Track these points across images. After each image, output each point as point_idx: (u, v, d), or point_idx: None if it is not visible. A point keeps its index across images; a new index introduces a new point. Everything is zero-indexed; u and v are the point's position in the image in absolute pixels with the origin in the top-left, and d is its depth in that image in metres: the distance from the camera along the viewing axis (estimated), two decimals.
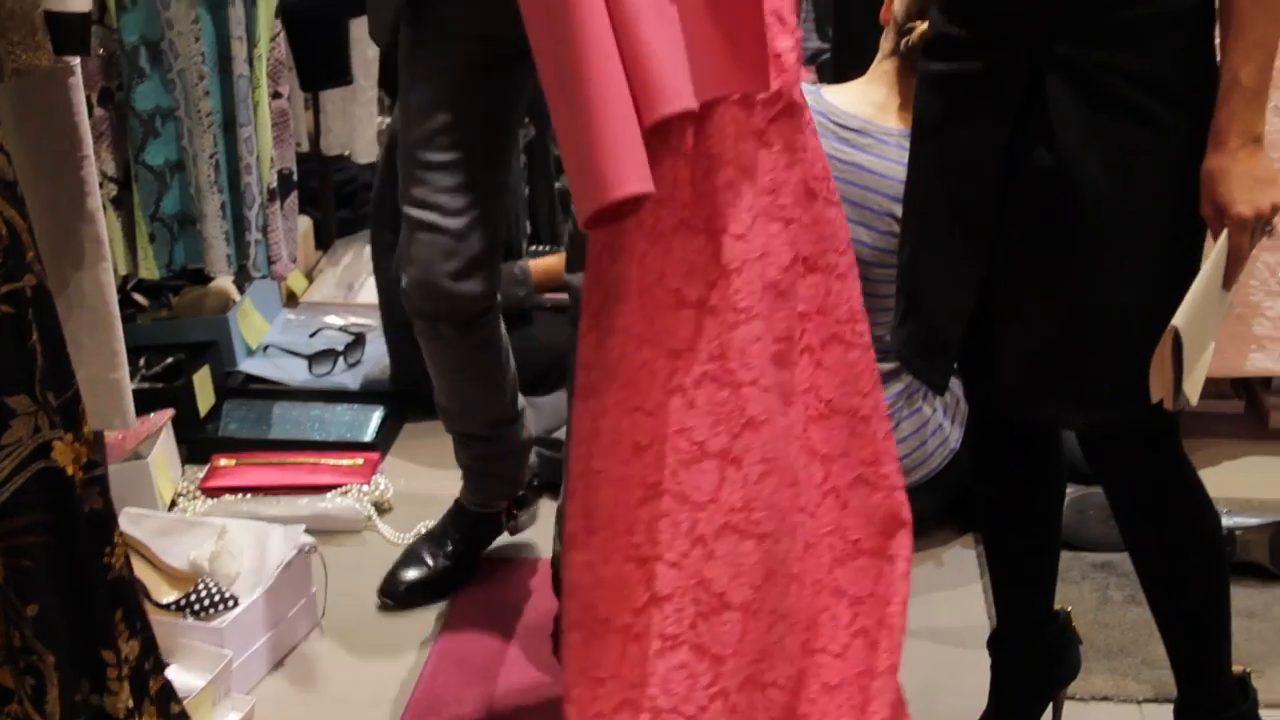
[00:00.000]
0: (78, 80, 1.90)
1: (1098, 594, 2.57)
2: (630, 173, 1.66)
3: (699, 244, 1.79)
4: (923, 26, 2.48)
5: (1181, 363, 1.74)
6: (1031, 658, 2.09)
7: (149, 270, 2.93)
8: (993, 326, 1.88)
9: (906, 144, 2.53)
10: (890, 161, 2.51)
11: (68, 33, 1.76)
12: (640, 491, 1.80)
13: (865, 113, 2.57)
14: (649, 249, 1.79)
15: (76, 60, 1.88)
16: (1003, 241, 1.84)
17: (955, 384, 2.73)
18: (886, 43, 2.61)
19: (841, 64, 3.40)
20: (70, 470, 1.70)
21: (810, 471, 1.92)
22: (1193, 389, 1.76)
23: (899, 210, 2.49)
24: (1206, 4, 1.76)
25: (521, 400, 2.61)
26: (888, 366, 2.57)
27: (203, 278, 3.36)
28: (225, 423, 3.19)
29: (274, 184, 2.95)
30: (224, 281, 3.49)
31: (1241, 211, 1.73)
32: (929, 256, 1.94)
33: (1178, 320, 1.73)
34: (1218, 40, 1.77)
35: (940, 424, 2.69)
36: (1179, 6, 1.75)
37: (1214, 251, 1.76)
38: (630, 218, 1.73)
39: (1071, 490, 2.52)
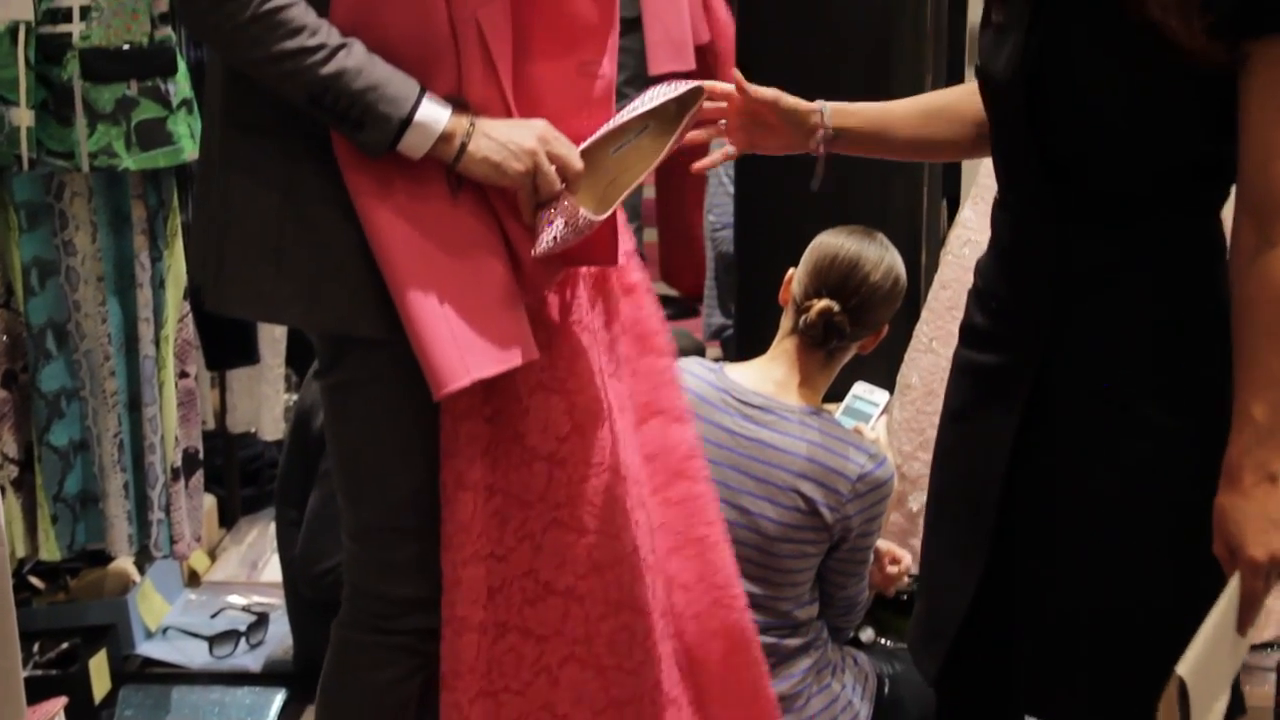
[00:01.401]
0: None
1: None
2: (451, 372, 1.88)
3: (554, 402, 2.02)
4: (821, 304, 2.55)
5: (1189, 715, 1.60)
6: None
7: (50, 551, 2.88)
8: (992, 622, 1.87)
9: (809, 420, 2.58)
10: (793, 438, 2.54)
11: None
12: (494, 631, 2.07)
13: (767, 390, 2.61)
14: (505, 407, 2.01)
15: None
16: (1006, 535, 1.84)
17: (865, 658, 2.73)
18: (786, 321, 2.67)
19: (744, 340, 3.48)
20: None
21: (673, 600, 2.22)
22: None
23: (803, 486, 2.52)
24: (1220, 314, 1.74)
25: None
26: (795, 642, 2.57)
27: (102, 558, 3.30)
28: (121, 710, 3.10)
29: (178, 463, 2.94)
30: (124, 562, 3.42)
31: (1255, 555, 1.66)
32: (938, 540, 1.97)
33: (1182, 668, 1.60)
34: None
35: (850, 701, 2.67)
36: (1188, 315, 1.77)
37: (1226, 593, 1.67)
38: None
39: None
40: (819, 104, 2.13)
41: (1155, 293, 1.78)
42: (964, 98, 2.07)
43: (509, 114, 1.93)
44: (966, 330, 1.95)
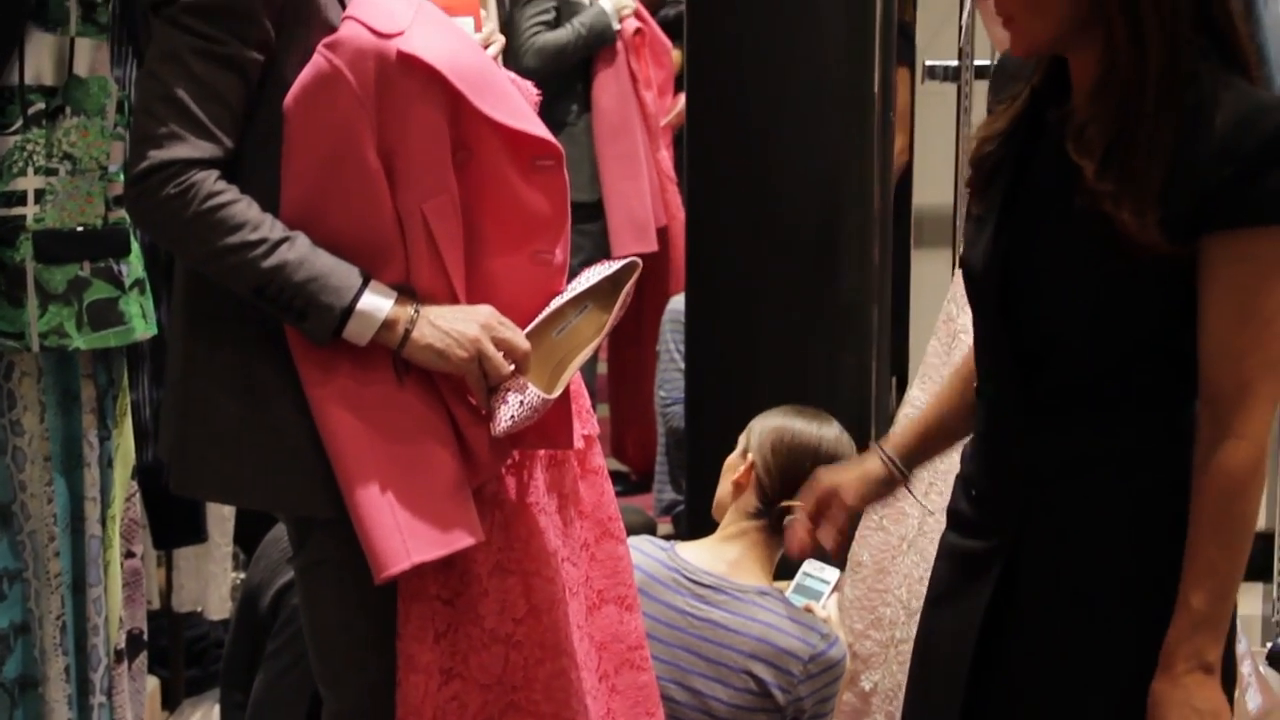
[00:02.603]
0: None
1: None
2: (392, 554, 1.91)
3: (512, 584, 2.04)
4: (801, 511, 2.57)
5: None
6: None
7: None
8: None
9: (760, 600, 2.57)
10: (744, 618, 2.54)
11: None
12: None
13: (719, 570, 2.61)
14: (465, 589, 2.02)
15: None
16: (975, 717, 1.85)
17: None
18: (746, 503, 2.68)
19: (695, 516, 3.48)
20: None
21: None
22: None
23: (755, 667, 2.51)
24: (1183, 511, 1.75)
25: None
26: None
27: None
28: None
29: (121, 645, 2.89)
30: None
31: None
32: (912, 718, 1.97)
33: None
34: None
35: None
36: (1152, 510, 1.78)
37: None
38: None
39: None
40: (876, 451, 2.12)
41: (1121, 487, 1.79)
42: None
43: (457, 302, 1.96)
44: (951, 515, 1.97)
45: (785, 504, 2.56)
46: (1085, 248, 1.75)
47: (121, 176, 2.68)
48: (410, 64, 1.89)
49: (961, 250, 1.94)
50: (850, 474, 2.11)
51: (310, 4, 1.94)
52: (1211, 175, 1.68)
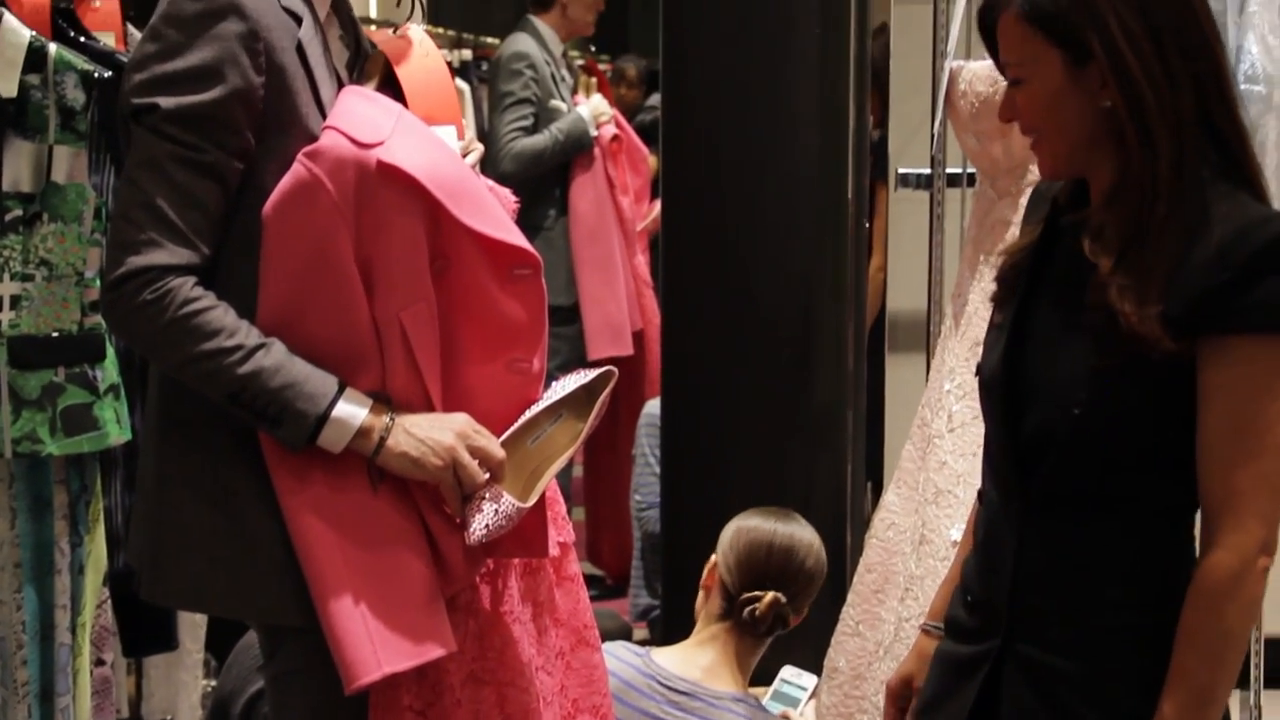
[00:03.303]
0: None
1: None
2: (363, 665, 1.89)
3: (486, 694, 2.02)
4: (770, 597, 2.56)
5: None
6: None
7: None
8: None
9: (736, 707, 2.55)
10: None
11: None
12: None
13: (694, 675, 2.60)
14: (438, 700, 2.00)
15: None
16: None
17: None
18: (713, 606, 2.67)
19: (672, 621, 3.46)
20: None
21: None
22: None
23: None
24: (1169, 625, 1.77)
25: None
26: None
27: None
28: None
29: None
30: None
31: None
32: None
33: None
34: None
35: None
36: (1138, 633, 1.79)
37: None
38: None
39: None
40: (925, 630, 2.10)
41: (1112, 597, 1.80)
42: None
43: (433, 409, 1.96)
44: (948, 623, 1.98)
45: (746, 596, 2.56)
46: (1087, 346, 1.78)
47: (98, 282, 2.69)
48: (390, 173, 1.91)
49: (979, 358, 1.97)
50: (913, 663, 2.08)
51: (291, 112, 1.96)
52: (1209, 279, 1.71)
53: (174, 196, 1.91)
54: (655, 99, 6.34)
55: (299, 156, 1.91)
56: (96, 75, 2.63)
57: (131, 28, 2.96)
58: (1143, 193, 1.77)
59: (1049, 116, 1.83)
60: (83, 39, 2.82)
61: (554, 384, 2.08)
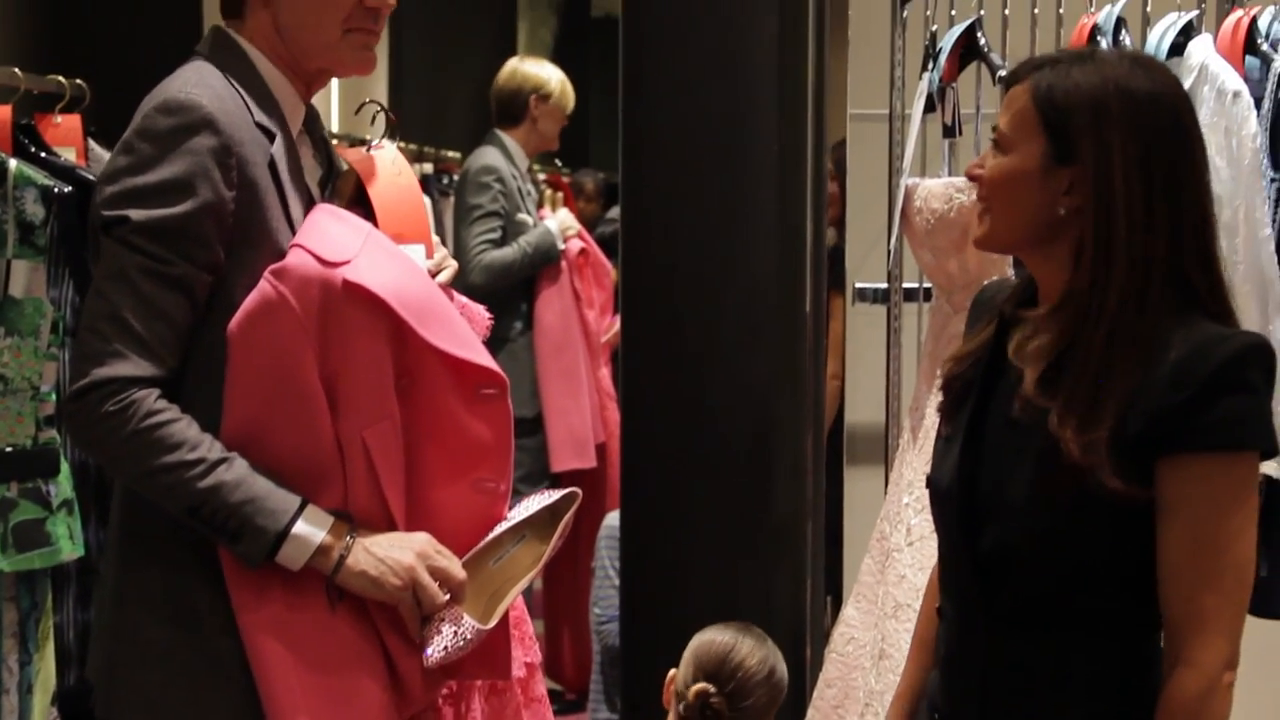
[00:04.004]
0: None
1: None
2: None
3: None
4: (697, 687, 2.54)
5: None
6: None
7: None
8: None
9: None
10: None
11: None
12: None
13: None
14: None
15: None
16: None
17: None
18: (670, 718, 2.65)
19: None
20: None
21: None
22: None
23: None
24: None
25: None
26: None
27: None
28: None
29: None
30: None
31: None
32: None
33: None
34: None
35: None
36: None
37: None
38: None
39: None
40: None
41: (1076, 711, 1.79)
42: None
43: (395, 529, 1.96)
44: None
45: (696, 688, 2.53)
46: (1038, 468, 1.78)
47: (53, 397, 2.68)
48: (355, 292, 1.91)
49: (929, 470, 1.97)
50: None
51: (261, 228, 1.96)
52: (1167, 398, 1.72)
53: (141, 309, 1.91)
54: (614, 212, 6.40)
55: (265, 274, 1.92)
56: (56, 190, 2.64)
57: (93, 143, 2.97)
58: (1085, 314, 1.77)
59: (1008, 192, 1.83)
60: (44, 154, 2.83)
61: (518, 504, 2.07)
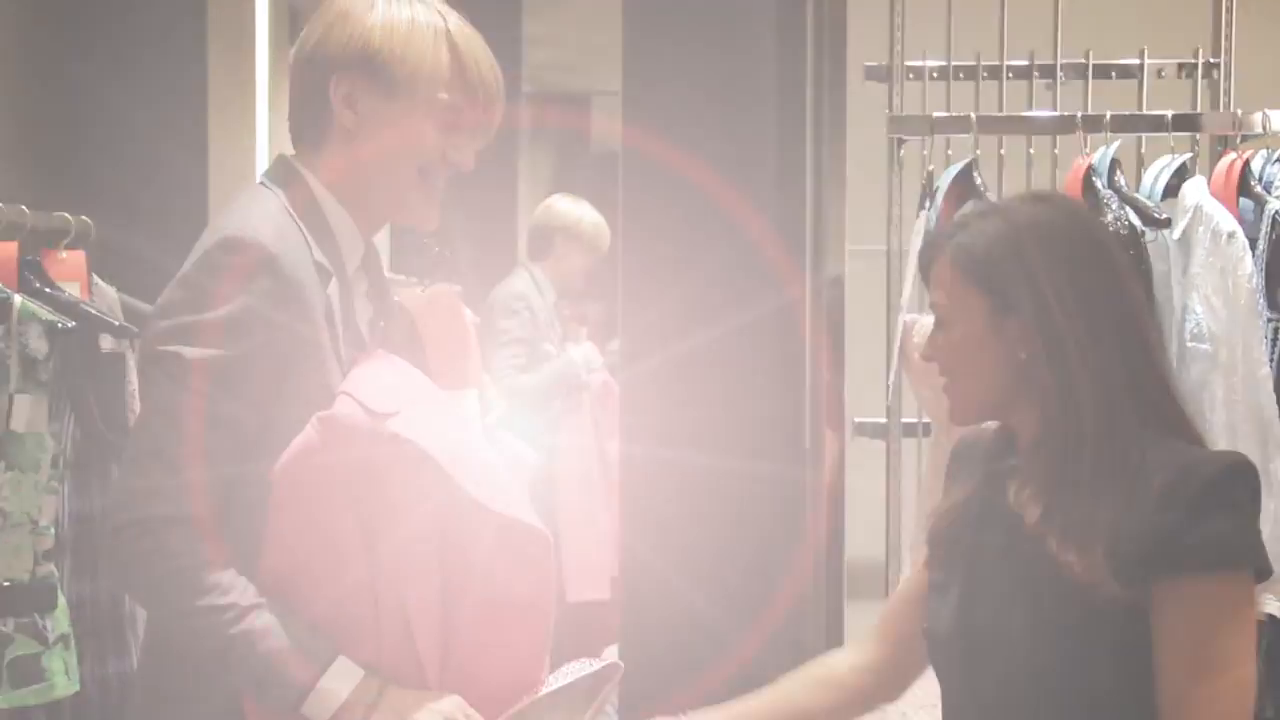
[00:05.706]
0: None
1: None
2: None
3: None
4: None
5: None
6: None
7: None
8: None
9: None
10: None
11: None
12: None
13: None
14: None
15: None
16: None
17: None
18: None
19: None
20: None
21: None
22: None
23: None
24: None
25: None
26: None
27: None
28: None
29: None
30: None
31: None
32: None
33: None
34: None
35: None
36: None
37: None
38: None
39: None
40: None
41: None
42: (805, 688, 2.13)
43: (426, 688, 1.91)
44: None
45: None
46: (1039, 601, 1.79)
47: (51, 531, 2.67)
48: (401, 445, 1.87)
49: (926, 621, 1.97)
50: None
51: (312, 371, 1.93)
52: (1156, 522, 1.73)
53: (185, 447, 1.87)
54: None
55: (312, 420, 1.88)
56: (60, 326, 2.65)
57: (97, 278, 2.99)
58: (1066, 444, 1.80)
59: (966, 361, 1.87)
60: (48, 289, 2.85)
61: (557, 670, 2.01)
